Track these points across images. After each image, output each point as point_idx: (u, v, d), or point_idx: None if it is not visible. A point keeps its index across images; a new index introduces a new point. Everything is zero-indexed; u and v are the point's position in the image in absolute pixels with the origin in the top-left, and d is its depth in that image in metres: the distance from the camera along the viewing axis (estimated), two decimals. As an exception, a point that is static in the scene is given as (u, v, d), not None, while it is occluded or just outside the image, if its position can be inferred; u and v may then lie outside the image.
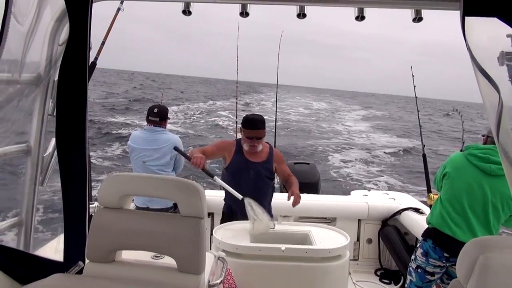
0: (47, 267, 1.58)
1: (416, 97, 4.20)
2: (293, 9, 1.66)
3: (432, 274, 2.65)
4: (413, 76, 4.10)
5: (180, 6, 1.65)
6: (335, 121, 30.36)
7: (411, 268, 2.77)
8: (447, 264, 2.62)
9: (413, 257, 2.77)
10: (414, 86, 4.15)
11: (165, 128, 3.83)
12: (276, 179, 5.15)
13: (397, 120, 36.41)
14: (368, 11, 1.65)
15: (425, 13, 1.64)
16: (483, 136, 2.70)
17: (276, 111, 5.66)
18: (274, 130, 5.65)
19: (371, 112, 43.18)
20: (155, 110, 3.79)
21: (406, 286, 2.80)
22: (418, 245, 2.76)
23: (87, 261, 1.38)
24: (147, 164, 3.68)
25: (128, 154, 3.96)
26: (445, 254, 2.57)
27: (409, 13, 1.67)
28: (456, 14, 1.45)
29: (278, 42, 5.47)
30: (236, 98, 5.46)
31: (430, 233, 2.67)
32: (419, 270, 2.69)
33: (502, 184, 2.46)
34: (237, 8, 1.67)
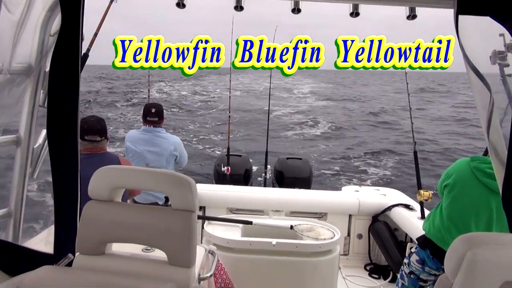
0: (37, 259, 1.57)
1: (409, 94, 4.19)
2: (287, 4, 1.66)
3: (425, 281, 2.57)
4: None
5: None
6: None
7: (403, 272, 2.67)
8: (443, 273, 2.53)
9: (406, 261, 2.67)
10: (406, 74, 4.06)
11: (161, 126, 3.78)
12: (269, 174, 5.19)
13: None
14: (362, 7, 1.65)
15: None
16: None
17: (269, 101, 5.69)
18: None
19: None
20: (153, 110, 3.68)
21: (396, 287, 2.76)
22: (413, 251, 2.66)
23: (77, 253, 1.37)
24: (150, 166, 3.61)
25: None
26: (443, 266, 2.48)
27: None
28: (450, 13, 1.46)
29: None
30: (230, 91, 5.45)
31: (428, 244, 2.53)
32: (412, 276, 2.59)
33: None
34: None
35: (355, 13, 1.68)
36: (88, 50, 2.71)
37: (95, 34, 2.91)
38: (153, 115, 3.68)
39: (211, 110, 24.47)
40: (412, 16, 1.64)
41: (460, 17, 1.42)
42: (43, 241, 2.35)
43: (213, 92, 35.27)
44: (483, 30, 1.52)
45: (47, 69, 1.57)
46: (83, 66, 1.96)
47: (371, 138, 17.32)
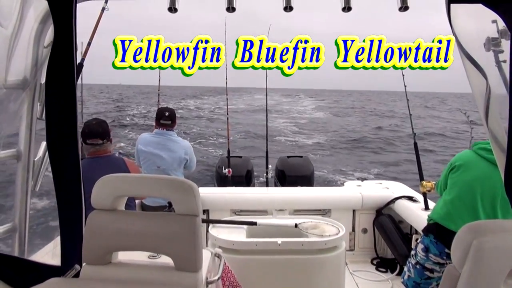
0: (44, 272, 1.57)
1: (405, 86, 4.21)
2: (279, 2, 1.65)
3: (431, 271, 2.56)
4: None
5: (166, 3, 1.64)
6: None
7: (410, 264, 2.69)
8: (448, 262, 2.50)
9: (413, 252, 2.70)
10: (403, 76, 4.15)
11: (173, 130, 3.82)
12: (270, 174, 5.19)
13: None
14: (354, 2, 1.65)
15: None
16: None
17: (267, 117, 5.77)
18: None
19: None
20: (167, 114, 3.74)
21: (403, 281, 2.73)
22: (418, 241, 2.68)
23: (84, 264, 1.37)
24: (161, 168, 3.64)
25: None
26: (446, 250, 2.47)
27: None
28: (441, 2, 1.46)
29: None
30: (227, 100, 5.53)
31: (432, 228, 2.57)
32: (417, 266, 2.61)
33: None
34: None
35: (347, 8, 1.67)
36: (83, 59, 2.71)
37: (89, 43, 2.91)
38: (166, 118, 3.73)
39: (212, 120, 25.56)
40: (404, 7, 1.64)
41: (452, 5, 1.42)
42: (49, 253, 2.35)
43: (216, 108, 36.51)
44: (475, 18, 1.52)
45: (43, 81, 1.57)
46: (79, 76, 1.96)
47: (371, 139, 17.76)
